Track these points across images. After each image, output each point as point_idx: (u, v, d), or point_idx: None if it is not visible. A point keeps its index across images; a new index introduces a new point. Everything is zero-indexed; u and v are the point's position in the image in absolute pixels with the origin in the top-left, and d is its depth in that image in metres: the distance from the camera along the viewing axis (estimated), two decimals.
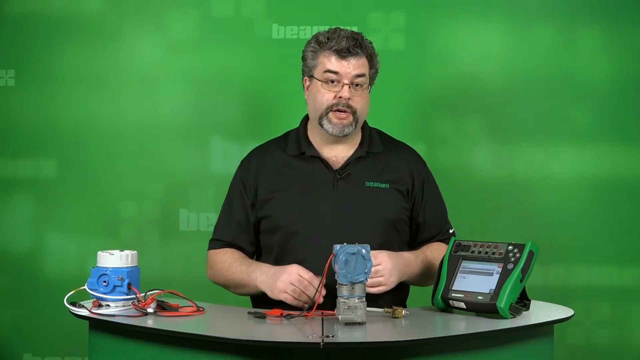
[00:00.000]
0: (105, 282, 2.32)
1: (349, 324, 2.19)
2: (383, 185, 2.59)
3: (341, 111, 2.53)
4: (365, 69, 2.55)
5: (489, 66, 3.43)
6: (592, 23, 3.41)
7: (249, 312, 2.38)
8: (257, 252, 2.67)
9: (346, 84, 2.52)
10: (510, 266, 2.31)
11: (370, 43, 2.58)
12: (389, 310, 2.34)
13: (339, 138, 2.58)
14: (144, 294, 2.33)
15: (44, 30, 3.41)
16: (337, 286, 2.21)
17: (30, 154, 3.42)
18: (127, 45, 3.43)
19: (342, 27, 2.57)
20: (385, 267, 2.41)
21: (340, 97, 2.52)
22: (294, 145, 2.64)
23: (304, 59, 2.61)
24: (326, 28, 2.59)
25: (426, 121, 3.46)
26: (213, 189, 3.37)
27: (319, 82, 2.55)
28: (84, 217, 3.42)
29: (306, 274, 2.37)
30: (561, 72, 3.42)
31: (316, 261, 2.37)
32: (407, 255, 2.54)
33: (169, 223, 3.42)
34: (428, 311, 2.43)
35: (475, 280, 2.35)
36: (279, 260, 2.54)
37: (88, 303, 2.36)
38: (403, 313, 2.32)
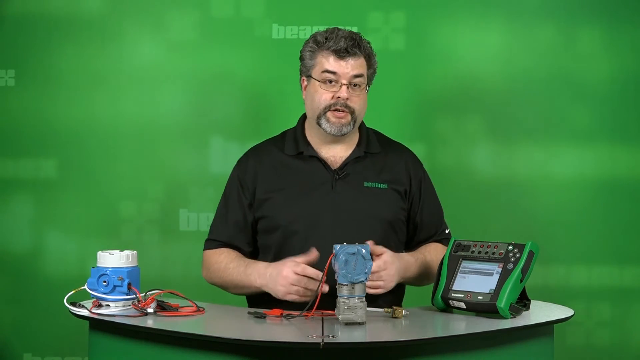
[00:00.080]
0: (105, 282, 2.32)
1: (349, 324, 2.19)
2: (381, 186, 2.59)
3: (339, 111, 2.53)
4: (363, 69, 2.55)
5: (489, 66, 3.43)
6: (592, 23, 3.41)
7: (248, 312, 2.38)
8: (253, 252, 2.66)
9: (344, 84, 2.52)
10: (510, 266, 2.32)
11: (369, 43, 2.58)
12: (389, 310, 2.34)
13: (337, 138, 2.58)
14: (144, 294, 2.33)
15: (44, 30, 3.41)
16: (337, 286, 2.21)
17: (30, 154, 3.42)
18: (127, 45, 3.43)
19: (340, 27, 2.57)
20: (389, 272, 2.41)
21: (338, 97, 2.52)
22: (292, 145, 2.63)
23: (301, 58, 2.61)
24: (326, 28, 2.59)
25: (426, 121, 3.46)
26: (213, 189, 3.36)
27: (317, 82, 2.55)
28: (84, 217, 3.42)
29: (299, 268, 2.35)
30: (561, 72, 3.42)
31: (315, 261, 2.37)
32: (408, 258, 2.54)
33: (168, 223, 3.42)
34: (428, 311, 2.43)
35: (475, 280, 2.35)
36: (277, 260, 2.53)
37: (88, 303, 2.36)
38: (403, 313, 2.32)
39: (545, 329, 2.33)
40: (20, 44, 3.41)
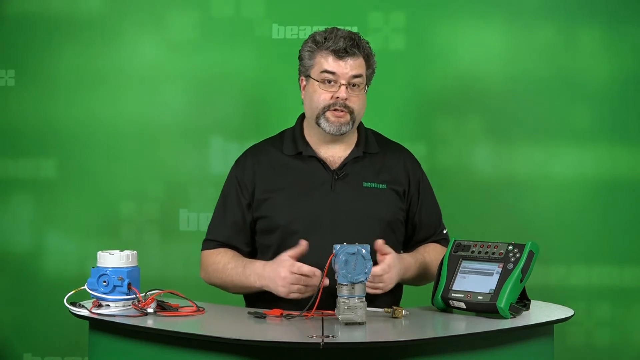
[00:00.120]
0: (105, 282, 2.32)
1: (349, 324, 2.19)
2: (380, 186, 2.59)
3: (338, 110, 2.53)
4: (362, 69, 2.55)
5: (489, 66, 3.43)
6: (592, 23, 3.42)
7: (248, 312, 2.37)
8: (252, 252, 2.65)
9: (343, 84, 2.52)
10: (510, 266, 2.31)
11: (367, 43, 2.58)
12: (389, 310, 2.34)
13: (336, 137, 2.58)
14: (144, 294, 2.33)
15: (44, 30, 3.41)
16: (337, 286, 2.21)
17: (30, 154, 3.42)
18: (127, 45, 3.43)
19: (339, 27, 2.57)
20: (390, 275, 2.41)
21: (337, 97, 2.52)
22: (291, 144, 2.63)
23: (300, 58, 2.60)
24: (325, 28, 2.59)
25: (426, 121, 3.46)
26: (213, 189, 3.34)
27: (316, 82, 2.55)
28: (84, 217, 3.42)
29: (295, 267, 2.34)
30: (561, 72, 3.42)
31: (315, 261, 2.36)
32: (408, 259, 2.55)
33: (168, 223, 3.42)
34: (428, 311, 2.43)
35: (475, 280, 2.35)
36: None
37: (88, 303, 2.36)
38: (403, 313, 2.32)
39: (545, 329, 2.33)
40: (20, 44, 3.41)
